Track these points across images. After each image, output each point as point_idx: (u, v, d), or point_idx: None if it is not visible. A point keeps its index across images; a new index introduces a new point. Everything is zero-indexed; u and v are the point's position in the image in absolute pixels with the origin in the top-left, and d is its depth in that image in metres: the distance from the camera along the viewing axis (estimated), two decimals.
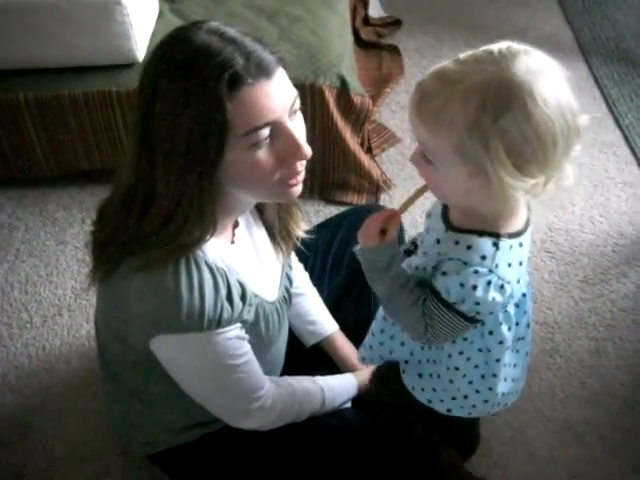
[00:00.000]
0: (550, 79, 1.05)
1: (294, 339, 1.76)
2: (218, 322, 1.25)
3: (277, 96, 1.13)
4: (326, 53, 2.52)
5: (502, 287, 1.17)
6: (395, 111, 3.07)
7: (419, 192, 1.26)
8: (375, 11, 3.66)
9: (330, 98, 2.43)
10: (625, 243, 2.54)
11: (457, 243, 1.19)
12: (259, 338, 1.40)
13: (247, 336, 1.35)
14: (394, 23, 3.66)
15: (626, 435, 1.94)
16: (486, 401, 1.39)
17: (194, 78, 1.09)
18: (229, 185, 1.21)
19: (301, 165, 1.22)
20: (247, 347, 1.36)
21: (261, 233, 1.49)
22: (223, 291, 1.26)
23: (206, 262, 1.25)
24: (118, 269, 1.24)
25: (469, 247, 1.17)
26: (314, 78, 2.42)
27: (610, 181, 2.85)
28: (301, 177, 1.26)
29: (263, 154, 1.16)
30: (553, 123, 1.03)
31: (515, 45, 1.07)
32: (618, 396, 2.03)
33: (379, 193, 2.65)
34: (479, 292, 1.16)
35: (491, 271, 1.16)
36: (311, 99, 2.42)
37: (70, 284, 2.33)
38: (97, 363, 1.60)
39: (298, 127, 1.21)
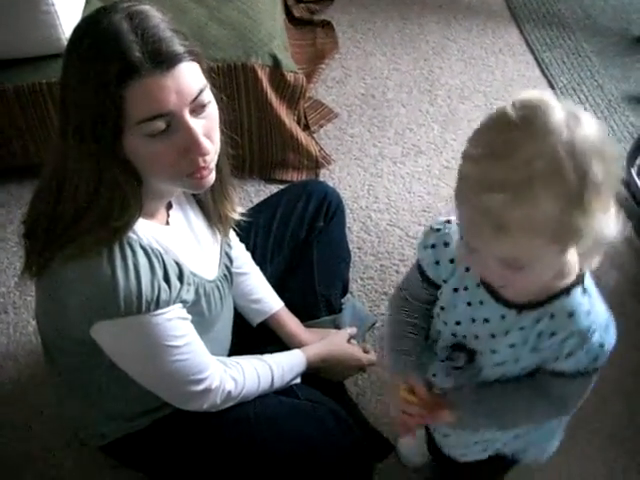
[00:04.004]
0: (584, 115, 0.96)
1: (241, 319, 1.77)
2: (157, 303, 1.25)
3: (173, 90, 1.13)
4: (257, 32, 2.50)
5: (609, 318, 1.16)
6: (331, 87, 3.07)
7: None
8: None
9: (263, 77, 2.42)
10: None
11: (552, 317, 1.14)
12: (201, 317, 1.41)
13: (189, 316, 1.35)
14: None
15: None
16: None
17: (91, 61, 1.12)
18: (142, 171, 1.22)
19: (204, 161, 1.21)
20: (189, 328, 1.36)
21: (196, 213, 1.49)
22: (159, 272, 1.26)
23: (140, 244, 1.25)
24: (52, 260, 1.24)
25: (570, 315, 1.13)
26: (246, 58, 2.40)
27: None
28: (207, 171, 1.24)
29: (161, 145, 1.16)
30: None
31: (521, 100, 0.96)
32: None
33: (319, 169, 2.66)
34: (607, 347, 1.14)
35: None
36: (244, 79, 2.41)
37: (13, 281, 2.30)
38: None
39: (203, 122, 1.20)
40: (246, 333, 1.77)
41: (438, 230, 1.24)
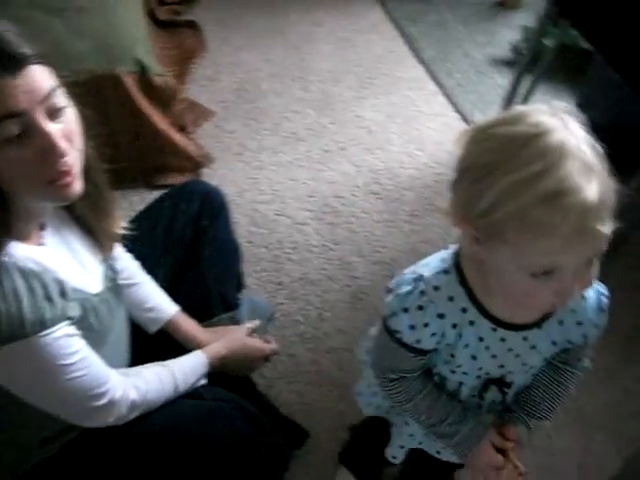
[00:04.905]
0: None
1: (140, 330, 1.75)
2: (42, 324, 1.22)
3: (23, 90, 1.11)
4: (119, 40, 2.47)
5: None
6: (204, 85, 3.06)
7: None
8: None
9: (131, 84, 2.39)
10: (444, 171, 2.65)
11: (573, 311, 1.20)
12: (92, 332, 1.38)
13: (78, 332, 1.33)
14: None
15: None
16: None
17: None
18: (5, 187, 1.20)
19: (65, 164, 1.18)
20: (80, 344, 1.33)
21: (73, 232, 1.47)
22: (40, 292, 1.24)
23: (17, 267, 1.22)
24: None
25: (582, 297, 1.19)
26: (111, 67, 2.37)
27: (421, 114, 2.96)
28: (71, 177, 1.21)
29: (18, 151, 1.14)
30: None
31: (510, 117, 0.99)
32: None
33: (200, 169, 2.65)
34: (603, 290, 1.23)
35: None
36: (113, 89, 2.38)
37: None
38: None
39: (60, 126, 1.18)
40: (146, 343, 1.75)
41: (422, 308, 1.17)
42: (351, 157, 2.75)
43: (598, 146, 0.97)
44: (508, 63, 3.30)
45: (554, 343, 1.24)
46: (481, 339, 1.20)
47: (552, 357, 1.31)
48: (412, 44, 3.34)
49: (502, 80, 3.15)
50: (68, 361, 1.29)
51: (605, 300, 1.22)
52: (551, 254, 0.96)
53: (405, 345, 1.22)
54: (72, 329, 1.31)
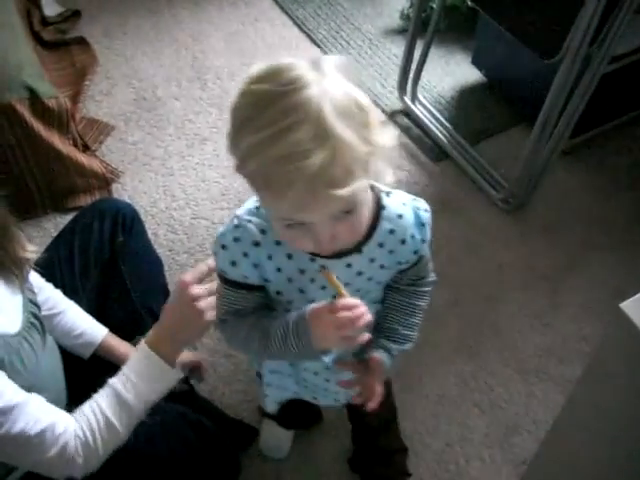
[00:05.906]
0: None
1: (75, 358, 1.71)
2: None
3: None
4: (6, 68, 2.41)
5: None
6: (100, 100, 3.01)
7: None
8: (51, 9, 3.53)
9: (24, 111, 2.34)
10: None
11: (392, 232, 1.21)
12: (18, 374, 1.35)
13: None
14: (74, 15, 3.54)
15: None
16: None
17: None
18: None
19: None
20: (10, 391, 1.29)
21: None
22: None
23: None
24: None
25: (400, 216, 1.22)
26: (1, 97, 2.32)
27: None
28: None
29: None
30: None
31: (261, 74, 1.01)
32: None
33: (110, 186, 2.62)
34: (424, 205, 1.28)
35: None
36: (6, 118, 2.32)
37: None
38: None
39: None
40: (83, 369, 1.72)
41: (237, 239, 1.19)
42: None
43: (360, 101, 1.00)
44: (400, 32, 3.33)
45: (383, 267, 1.26)
46: (302, 271, 1.21)
47: (394, 281, 1.35)
48: (303, 27, 3.34)
49: (397, 49, 3.18)
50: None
51: (425, 214, 1.26)
52: (288, 211, 1.00)
53: (234, 283, 1.24)
54: None
